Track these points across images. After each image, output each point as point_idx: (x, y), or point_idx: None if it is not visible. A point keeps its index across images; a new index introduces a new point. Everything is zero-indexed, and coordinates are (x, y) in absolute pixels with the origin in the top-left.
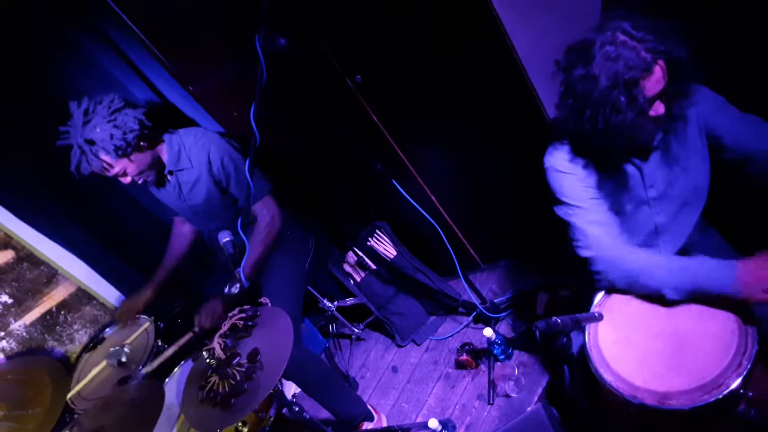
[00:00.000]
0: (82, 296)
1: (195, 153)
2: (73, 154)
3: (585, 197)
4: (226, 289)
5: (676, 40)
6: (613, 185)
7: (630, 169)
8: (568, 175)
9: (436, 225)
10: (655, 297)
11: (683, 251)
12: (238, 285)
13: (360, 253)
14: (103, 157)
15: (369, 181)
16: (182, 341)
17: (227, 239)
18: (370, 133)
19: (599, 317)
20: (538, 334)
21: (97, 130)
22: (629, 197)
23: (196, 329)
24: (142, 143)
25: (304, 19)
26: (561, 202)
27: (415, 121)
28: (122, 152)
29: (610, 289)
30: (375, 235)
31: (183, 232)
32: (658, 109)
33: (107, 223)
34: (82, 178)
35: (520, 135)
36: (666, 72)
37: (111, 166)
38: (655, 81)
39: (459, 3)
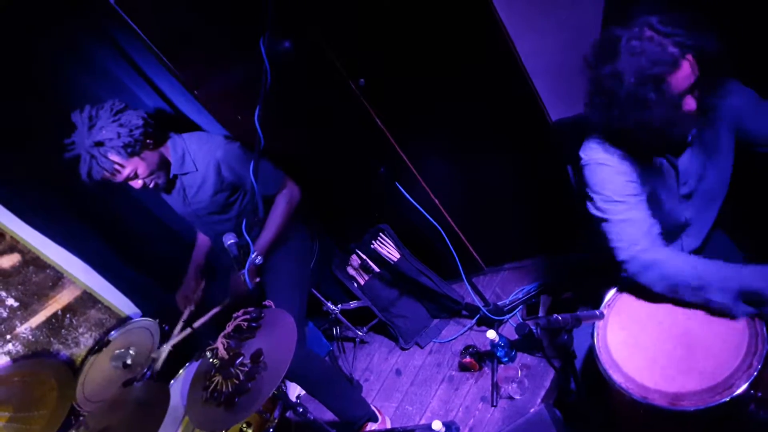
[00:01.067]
0: (88, 300)
1: (200, 157)
2: (82, 162)
3: (625, 192)
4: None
5: (706, 33)
6: (651, 181)
7: (665, 164)
8: (609, 168)
9: (439, 228)
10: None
11: (700, 247)
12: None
13: (363, 256)
14: (113, 157)
15: (372, 183)
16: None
17: (231, 241)
18: (373, 136)
19: (600, 315)
20: (539, 331)
21: (104, 131)
22: (665, 193)
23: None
24: (148, 141)
25: (308, 22)
26: (597, 198)
27: (419, 124)
28: (131, 150)
29: (622, 288)
30: (378, 237)
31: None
32: (690, 104)
33: (114, 228)
34: (94, 184)
35: (523, 138)
36: (696, 66)
37: (122, 166)
38: (683, 76)
39: (462, 7)
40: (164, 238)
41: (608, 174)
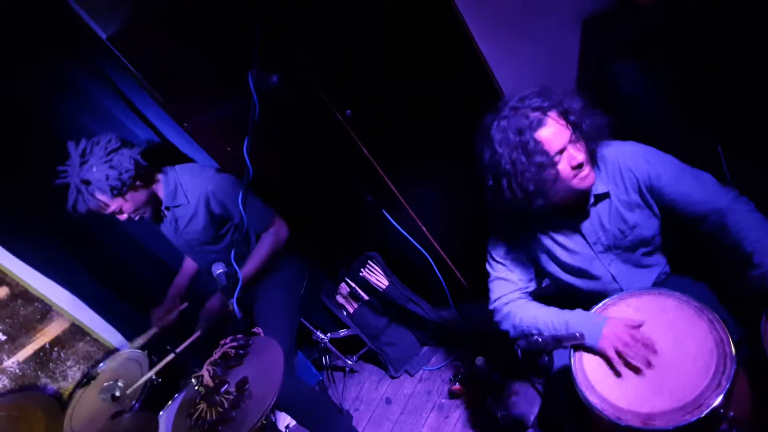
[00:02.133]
0: (76, 332)
1: (192, 189)
2: (70, 192)
3: (507, 257)
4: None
5: (564, 94)
6: (556, 246)
7: (568, 230)
8: (501, 235)
9: (427, 255)
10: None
11: None
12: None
13: (352, 284)
14: (99, 196)
15: (361, 212)
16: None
17: (220, 270)
18: (360, 166)
19: (580, 337)
20: (519, 352)
21: (94, 170)
22: (575, 255)
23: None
24: (137, 182)
25: (294, 57)
26: (488, 257)
27: (405, 153)
28: (117, 192)
29: None
30: (367, 265)
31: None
32: (574, 159)
33: (103, 260)
34: (78, 216)
35: None
36: (566, 121)
37: (107, 204)
38: (554, 133)
39: (444, 41)
40: (152, 269)
41: (498, 239)
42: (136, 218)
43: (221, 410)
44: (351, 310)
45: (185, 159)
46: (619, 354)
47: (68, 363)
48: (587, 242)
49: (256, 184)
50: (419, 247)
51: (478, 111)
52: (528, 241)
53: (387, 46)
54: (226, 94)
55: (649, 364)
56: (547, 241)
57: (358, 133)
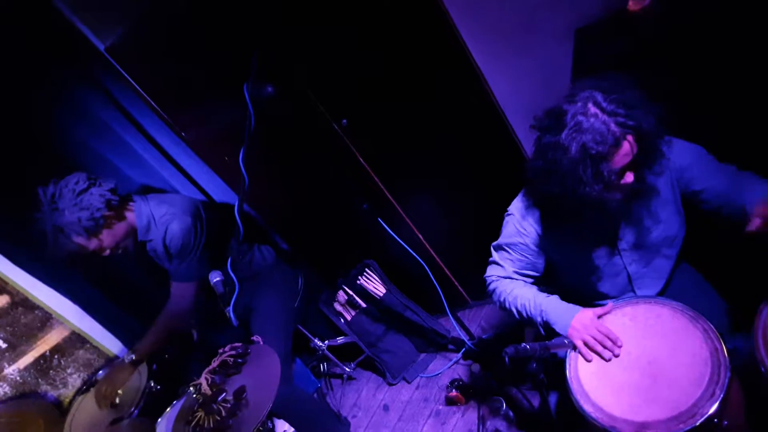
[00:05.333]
0: (76, 340)
1: (165, 221)
2: (49, 236)
3: (515, 242)
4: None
5: (645, 111)
6: (578, 239)
7: (600, 223)
8: (515, 219)
9: (423, 263)
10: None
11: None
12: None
13: (350, 292)
14: (76, 239)
15: (357, 220)
16: None
17: (217, 279)
18: (356, 174)
19: (569, 344)
20: (507, 359)
21: (66, 214)
22: (599, 249)
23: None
24: (111, 220)
25: (290, 67)
26: (499, 240)
27: (401, 161)
28: (93, 231)
29: None
30: (364, 273)
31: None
32: (627, 177)
33: (102, 267)
34: (63, 256)
35: (502, 175)
36: (635, 144)
37: (86, 246)
38: (623, 154)
39: (440, 51)
40: (151, 277)
41: (513, 225)
42: (119, 252)
43: (219, 418)
44: (349, 318)
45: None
46: (585, 343)
47: (68, 370)
48: (614, 238)
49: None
50: (415, 255)
51: (472, 120)
52: (548, 231)
53: (383, 57)
54: (223, 105)
55: (614, 354)
56: (571, 233)
57: (355, 142)
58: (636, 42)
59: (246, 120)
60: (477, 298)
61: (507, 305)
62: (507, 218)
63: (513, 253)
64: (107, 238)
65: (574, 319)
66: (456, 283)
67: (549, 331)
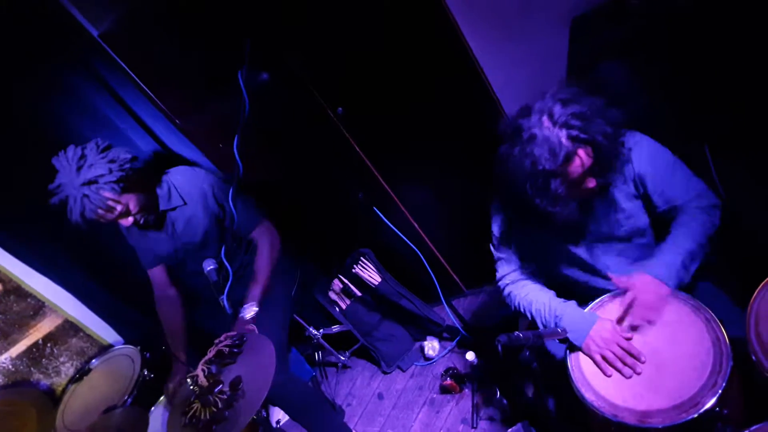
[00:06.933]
0: (69, 328)
1: (187, 190)
2: (72, 204)
3: (505, 239)
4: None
5: (602, 121)
6: (549, 234)
7: (567, 220)
8: (498, 217)
9: (418, 252)
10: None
11: None
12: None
13: (345, 281)
14: (106, 194)
15: (353, 209)
16: None
17: (211, 267)
18: (352, 163)
19: (562, 333)
20: (500, 347)
21: (94, 168)
22: (569, 244)
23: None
24: (140, 176)
25: (285, 53)
26: (493, 239)
27: (397, 150)
28: (124, 184)
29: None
30: (360, 262)
31: (169, 296)
32: (589, 183)
33: (95, 255)
34: (89, 225)
35: None
36: (590, 155)
37: (116, 201)
38: (576, 166)
39: (435, 39)
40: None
41: (501, 223)
42: (141, 221)
43: (215, 410)
44: (344, 307)
45: (178, 161)
46: (604, 357)
47: (61, 359)
48: (585, 231)
49: (247, 181)
50: (410, 243)
51: (468, 108)
52: (528, 228)
53: (378, 44)
54: (217, 92)
55: (635, 372)
56: (547, 231)
57: (350, 130)
58: (633, 29)
59: (241, 107)
60: (472, 287)
61: (522, 310)
62: (494, 222)
63: (512, 247)
64: (135, 197)
65: (591, 330)
66: (451, 271)
67: (566, 340)
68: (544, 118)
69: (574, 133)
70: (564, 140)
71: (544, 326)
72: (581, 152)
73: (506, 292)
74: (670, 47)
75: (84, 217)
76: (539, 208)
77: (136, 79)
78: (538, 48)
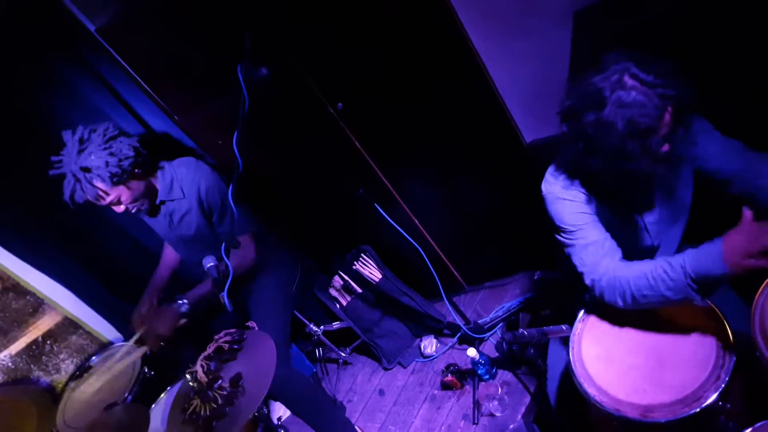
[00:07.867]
0: (69, 326)
1: (187, 184)
2: (66, 183)
3: (580, 221)
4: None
5: (682, 82)
6: (611, 211)
7: (634, 194)
8: (568, 202)
9: (419, 248)
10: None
11: None
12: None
13: (346, 277)
14: (98, 184)
15: (353, 205)
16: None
17: (211, 264)
18: (352, 159)
19: (566, 330)
20: (505, 345)
21: (93, 157)
22: (629, 222)
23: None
24: (137, 170)
25: (285, 49)
26: (561, 229)
27: (397, 146)
28: (118, 179)
29: (588, 310)
30: (360, 258)
31: (171, 255)
32: (664, 148)
33: (94, 252)
34: (76, 207)
35: (499, 159)
36: (672, 115)
37: (106, 193)
38: (664, 125)
39: (437, 34)
40: (145, 262)
41: (563, 207)
42: (133, 210)
43: (215, 406)
44: (344, 303)
45: (183, 151)
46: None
47: (61, 356)
48: (649, 206)
49: (247, 177)
50: (411, 240)
51: (469, 103)
52: (606, 206)
53: (379, 40)
54: (216, 87)
55: None
56: (606, 205)
57: (350, 126)
58: (636, 24)
59: (240, 103)
60: (473, 283)
61: (634, 292)
62: (554, 201)
63: (589, 228)
64: (128, 190)
65: (723, 253)
66: (452, 268)
67: (705, 290)
68: (626, 77)
69: (661, 90)
70: (655, 98)
71: (671, 289)
72: (669, 110)
73: (604, 283)
74: (673, 41)
75: (73, 199)
76: (636, 172)
77: (134, 74)
78: (541, 42)
